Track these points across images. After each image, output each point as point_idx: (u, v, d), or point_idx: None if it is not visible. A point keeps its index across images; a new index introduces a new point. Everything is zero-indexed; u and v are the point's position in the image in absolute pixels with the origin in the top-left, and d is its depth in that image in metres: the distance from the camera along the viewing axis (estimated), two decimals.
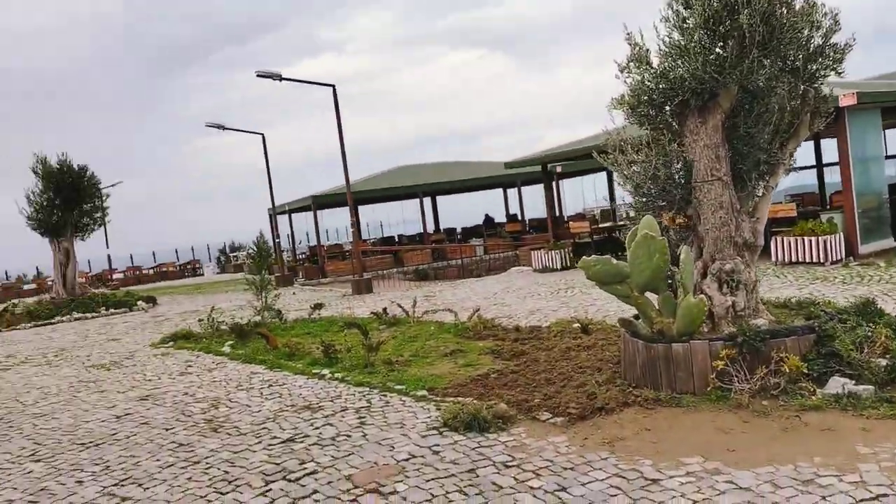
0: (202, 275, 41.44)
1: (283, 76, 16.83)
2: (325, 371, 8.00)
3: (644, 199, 6.44)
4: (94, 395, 8.11)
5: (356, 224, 18.35)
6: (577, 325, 8.61)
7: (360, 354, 8.59)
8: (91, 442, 6.11)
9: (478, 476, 4.42)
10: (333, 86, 17.16)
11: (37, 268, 50.10)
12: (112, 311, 18.52)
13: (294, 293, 20.35)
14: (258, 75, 16.77)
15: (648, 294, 6.02)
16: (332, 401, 6.70)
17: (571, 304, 11.31)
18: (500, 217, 34.24)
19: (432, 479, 4.43)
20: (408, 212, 34.90)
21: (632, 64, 6.33)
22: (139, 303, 19.41)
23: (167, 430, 6.27)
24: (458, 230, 31.11)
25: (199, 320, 12.33)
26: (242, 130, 23.51)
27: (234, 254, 42.09)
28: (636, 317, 6.26)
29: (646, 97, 6.24)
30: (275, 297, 12.21)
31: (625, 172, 6.44)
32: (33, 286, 40.93)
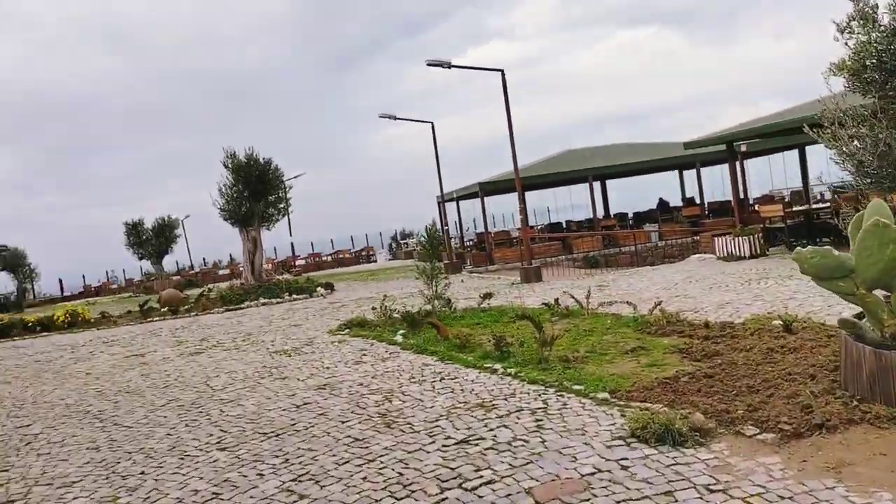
0: (375, 261, 43.06)
1: (452, 64, 16.74)
2: (498, 366, 7.69)
3: (869, 180, 5.49)
4: (277, 382, 8.36)
5: (524, 210, 17.96)
6: (777, 322, 7.67)
7: (533, 349, 8.22)
8: (272, 432, 6.21)
9: (676, 501, 3.88)
10: (502, 70, 16.87)
11: (230, 254, 54.52)
12: (294, 296, 19.51)
13: (462, 280, 20.38)
14: (428, 64, 16.81)
15: (877, 291, 5.11)
16: (505, 399, 6.37)
17: (766, 297, 10.21)
18: (674, 201, 32.46)
19: (624, 502, 3.94)
20: (576, 196, 34.07)
21: (854, 23, 5.40)
22: (318, 289, 20.31)
23: (343, 422, 6.25)
24: (630, 215, 29.81)
25: (373, 308, 12.53)
26: (412, 120, 23.91)
27: (405, 241, 43.30)
28: (860, 316, 5.35)
29: (873, 60, 5.28)
30: (445, 286, 12.14)
31: (844, 149, 5.52)
32: (227, 271, 44.52)
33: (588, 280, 15.96)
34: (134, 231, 35.61)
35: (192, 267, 55.29)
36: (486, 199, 27.44)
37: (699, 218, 26.35)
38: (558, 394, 6.36)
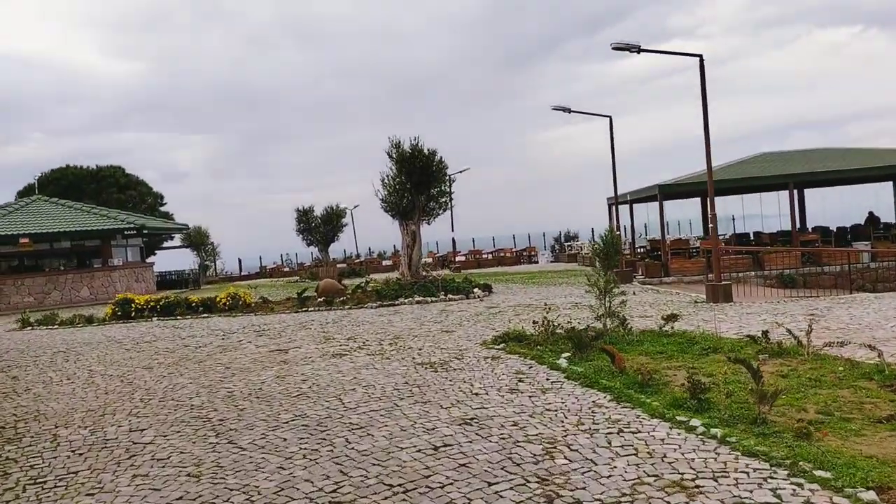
0: (537, 262, 41.42)
1: (642, 48, 14.74)
2: (696, 421, 5.88)
3: None
4: (417, 406, 7.05)
5: (714, 218, 15.59)
6: None
7: (742, 399, 6.33)
8: (400, 485, 4.86)
9: None
10: (701, 56, 14.61)
11: (394, 245, 54.98)
12: (450, 296, 18.39)
13: (634, 293, 18.27)
14: (613, 48, 14.92)
15: None
16: (714, 480, 4.60)
17: None
18: (886, 216, 28.06)
19: None
20: (766, 206, 30.45)
21: None
22: (475, 290, 19.07)
23: (489, 484, 4.77)
24: (833, 229, 25.99)
25: (534, 322, 10.97)
26: (588, 113, 22.01)
27: (569, 243, 41.27)
28: None
29: None
30: (620, 304, 10.33)
31: None
32: (390, 262, 44.65)
33: (791, 305, 13.40)
34: (304, 218, 36.46)
35: (357, 255, 56.63)
36: (664, 203, 24.96)
37: None
38: (793, 480, 4.50)
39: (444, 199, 20.67)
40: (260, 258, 60.08)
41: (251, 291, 20.52)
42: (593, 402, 6.83)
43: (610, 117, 21.29)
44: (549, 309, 14.68)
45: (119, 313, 18.51)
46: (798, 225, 29.00)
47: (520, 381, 7.96)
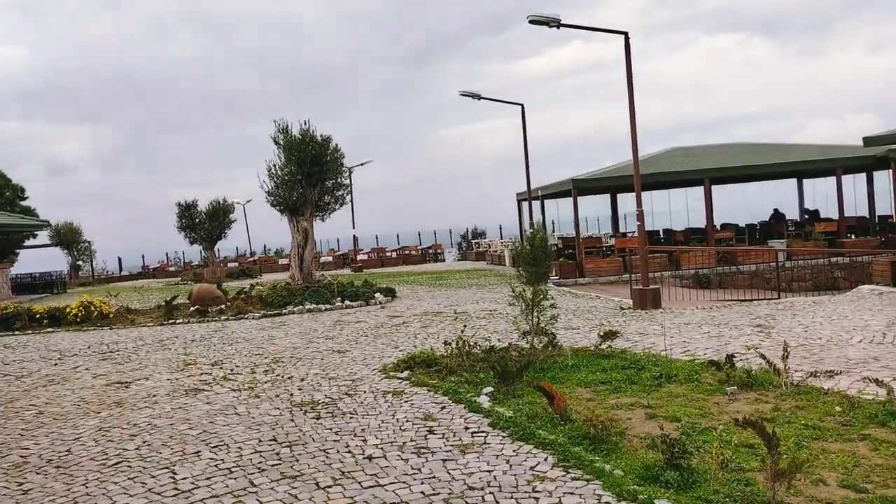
0: (443, 260, 39.63)
1: (562, 22, 13.03)
2: None
3: None
4: (282, 486, 4.88)
5: (642, 214, 14.11)
6: None
7: (739, 465, 4.59)
8: None
9: None
10: (626, 34, 13.04)
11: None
12: (347, 303, 16.17)
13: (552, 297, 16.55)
14: (530, 21, 13.26)
15: None
16: None
17: None
18: (790, 214, 27.92)
19: None
20: (674, 202, 29.84)
21: None
22: (377, 295, 16.93)
23: None
24: (742, 227, 25.42)
25: (445, 343, 8.97)
26: (499, 101, 20.26)
27: (476, 240, 39.72)
28: None
29: None
30: (551, 319, 8.44)
31: None
32: (287, 261, 41.54)
33: (728, 312, 12.01)
34: (186, 213, 33.10)
35: (252, 253, 53.18)
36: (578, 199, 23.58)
37: (836, 235, 21.88)
38: None
39: (340, 193, 18.38)
40: (143, 257, 55.54)
41: (112, 299, 17.57)
42: (532, 469, 4.89)
43: (522, 105, 19.66)
44: (461, 318, 12.77)
45: None
46: (706, 222, 28.49)
47: (430, 431, 5.93)
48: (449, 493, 4.54)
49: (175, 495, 4.83)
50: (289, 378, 8.53)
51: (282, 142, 17.43)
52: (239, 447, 5.82)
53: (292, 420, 6.56)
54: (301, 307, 15.60)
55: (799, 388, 6.42)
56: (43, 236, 41.54)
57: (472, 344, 9.00)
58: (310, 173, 17.36)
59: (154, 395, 8.03)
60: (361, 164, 34.91)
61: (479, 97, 19.37)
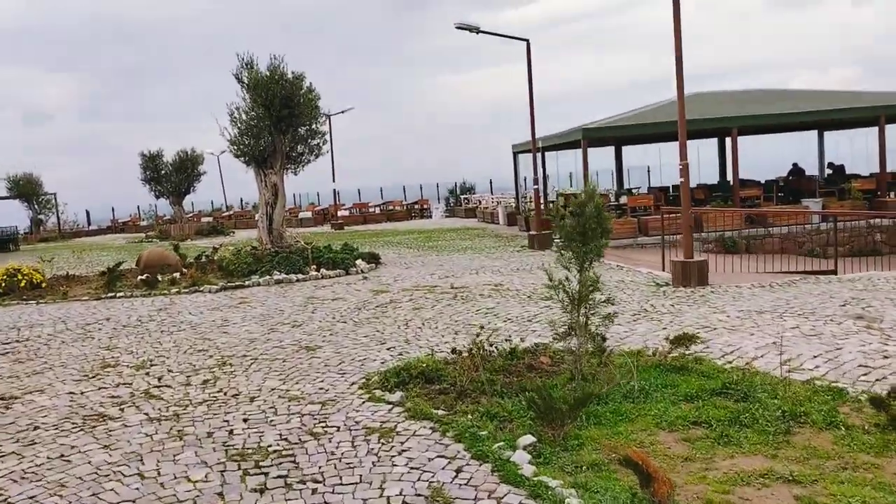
0: (430, 217, 37.10)
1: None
2: None
3: None
4: None
5: (686, 168, 11.62)
6: None
7: None
8: None
9: None
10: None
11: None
12: (323, 272, 13.68)
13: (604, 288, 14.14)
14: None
15: None
16: None
17: None
18: (810, 169, 25.58)
19: None
20: (692, 154, 27.31)
21: None
22: (358, 262, 14.46)
23: None
24: (762, 182, 23.04)
25: (454, 351, 6.55)
26: (502, 35, 17.42)
27: (465, 196, 37.15)
28: None
29: None
30: (605, 320, 5.99)
31: None
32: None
33: (798, 292, 9.66)
34: (151, 164, 30.24)
35: (229, 207, 50.35)
36: (571, 152, 21.08)
37: (873, 194, 19.59)
38: None
39: (315, 142, 15.70)
40: (112, 210, 52.55)
41: (45, 265, 14.95)
42: None
43: (527, 41, 16.89)
44: (460, 295, 10.35)
45: None
46: (735, 179, 26.12)
47: None
48: None
49: None
50: (234, 396, 6.10)
51: (246, 79, 14.68)
52: None
53: (221, 494, 4.14)
54: (268, 277, 13.10)
55: None
56: (1, 188, 38.48)
57: (484, 337, 6.63)
58: (279, 118, 14.67)
59: (36, 426, 5.58)
60: (342, 112, 32.05)
61: (477, 30, 16.61)
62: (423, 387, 5.90)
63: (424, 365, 6.23)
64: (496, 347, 6.65)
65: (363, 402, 5.71)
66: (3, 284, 13.05)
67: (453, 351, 6.48)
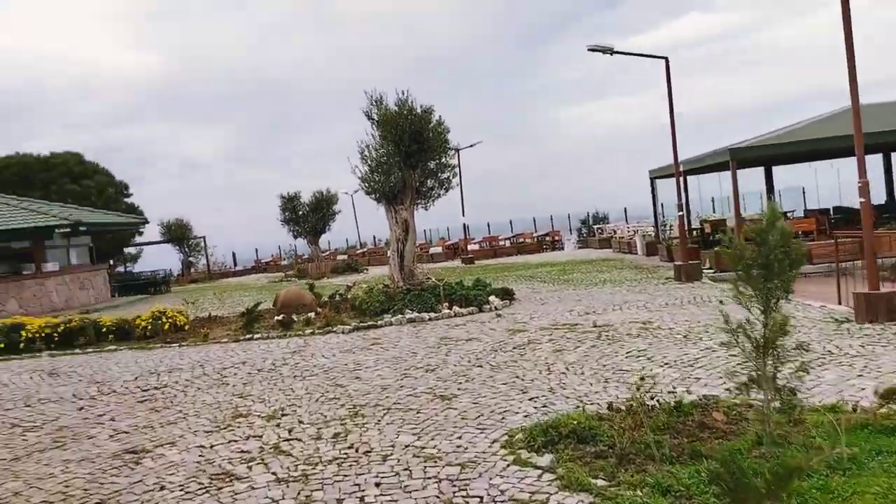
0: (562, 248, 36.05)
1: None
2: None
3: None
4: None
5: (866, 187, 10.19)
6: None
7: None
8: None
9: None
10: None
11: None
12: (456, 309, 13.16)
13: (719, 301, 12.87)
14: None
15: None
16: None
17: None
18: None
19: None
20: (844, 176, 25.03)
21: None
22: (491, 299, 13.84)
23: None
24: None
25: (609, 407, 5.72)
26: (637, 54, 16.51)
27: (599, 226, 35.85)
28: None
29: None
30: (799, 372, 4.96)
31: None
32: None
33: None
34: (289, 205, 31.31)
35: (363, 244, 51.58)
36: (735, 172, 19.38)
37: None
38: None
39: (445, 176, 15.37)
40: (256, 251, 55.30)
41: (188, 307, 15.38)
42: None
43: (666, 59, 15.84)
44: (605, 335, 9.42)
45: (2, 345, 13.46)
46: (886, 197, 23.49)
47: None
48: None
49: None
50: (365, 454, 5.56)
51: (375, 116, 14.59)
52: None
53: None
54: (400, 316, 12.73)
55: None
56: (155, 233, 41.30)
57: (647, 393, 5.75)
58: (409, 153, 14.44)
59: (162, 486, 5.27)
60: (471, 146, 31.92)
61: (611, 51, 15.77)
62: (576, 448, 5.11)
63: (575, 422, 5.43)
64: (658, 400, 5.75)
65: (507, 466, 4.99)
66: (149, 328, 13.47)
67: (609, 407, 5.64)
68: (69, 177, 33.12)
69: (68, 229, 22.17)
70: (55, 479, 5.65)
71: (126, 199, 36.70)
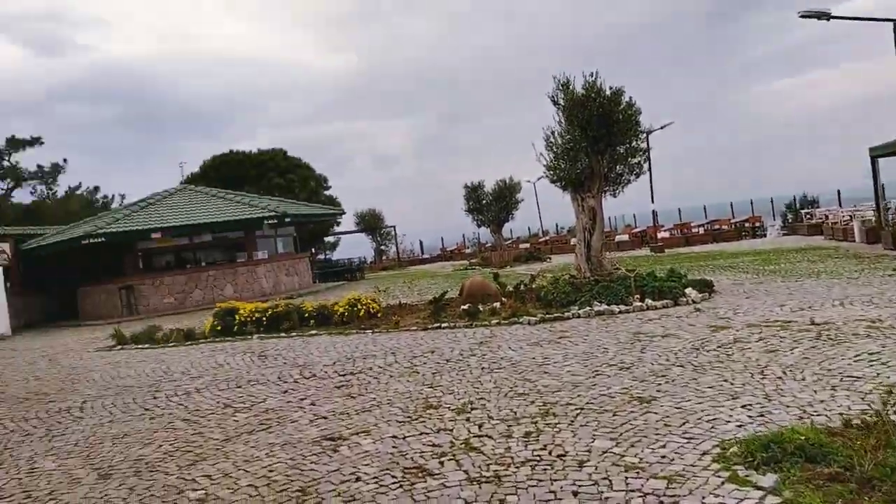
0: (764, 235, 33.33)
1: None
2: None
3: None
4: None
5: None
6: None
7: None
8: None
9: None
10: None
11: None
12: (648, 302, 12.44)
13: None
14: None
15: None
16: None
17: None
18: None
19: None
20: None
21: None
22: (688, 291, 12.92)
23: None
24: None
25: (847, 422, 4.98)
26: (858, 18, 14.61)
27: (807, 210, 32.70)
28: None
29: None
30: None
31: None
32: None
33: None
34: (473, 195, 31.69)
35: (545, 233, 51.26)
36: None
37: None
38: None
39: (636, 161, 14.57)
40: (441, 239, 56.86)
41: (380, 294, 15.91)
42: None
43: (895, 21, 13.84)
44: (824, 334, 8.35)
45: (219, 328, 14.76)
46: None
47: None
48: None
49: None
50: (559, 457, 5.26)
51: (562, 101, 14.13)
52: None
53: None
54: (588, 309, 12.24)
55: None
56: (351, 223, 43.75)
57: (892, 414, 4.92)
58: (596, 138, 13.84)
59: (358, 477, 5.32)
60: (662, 128, 30.38)
61: (828, 17, 14.04)
62: (804, 467, 4.45)
63: (803, 437, 4.75)
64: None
65: (721, 483, 4.45)
66: (346, 314, 14.08)
67: (847, 424, 4.89)
68: (276, 171, 35.93)
69: (275, 221, 24.00)
70: (260, 463, 5.92)
71: (325, 192, 39.12)
